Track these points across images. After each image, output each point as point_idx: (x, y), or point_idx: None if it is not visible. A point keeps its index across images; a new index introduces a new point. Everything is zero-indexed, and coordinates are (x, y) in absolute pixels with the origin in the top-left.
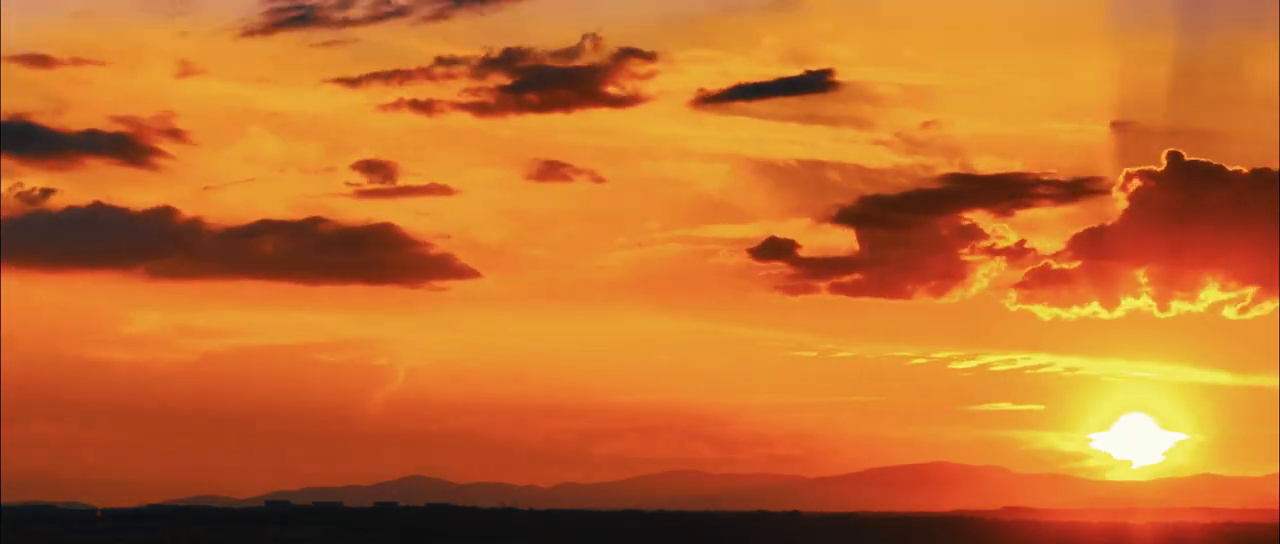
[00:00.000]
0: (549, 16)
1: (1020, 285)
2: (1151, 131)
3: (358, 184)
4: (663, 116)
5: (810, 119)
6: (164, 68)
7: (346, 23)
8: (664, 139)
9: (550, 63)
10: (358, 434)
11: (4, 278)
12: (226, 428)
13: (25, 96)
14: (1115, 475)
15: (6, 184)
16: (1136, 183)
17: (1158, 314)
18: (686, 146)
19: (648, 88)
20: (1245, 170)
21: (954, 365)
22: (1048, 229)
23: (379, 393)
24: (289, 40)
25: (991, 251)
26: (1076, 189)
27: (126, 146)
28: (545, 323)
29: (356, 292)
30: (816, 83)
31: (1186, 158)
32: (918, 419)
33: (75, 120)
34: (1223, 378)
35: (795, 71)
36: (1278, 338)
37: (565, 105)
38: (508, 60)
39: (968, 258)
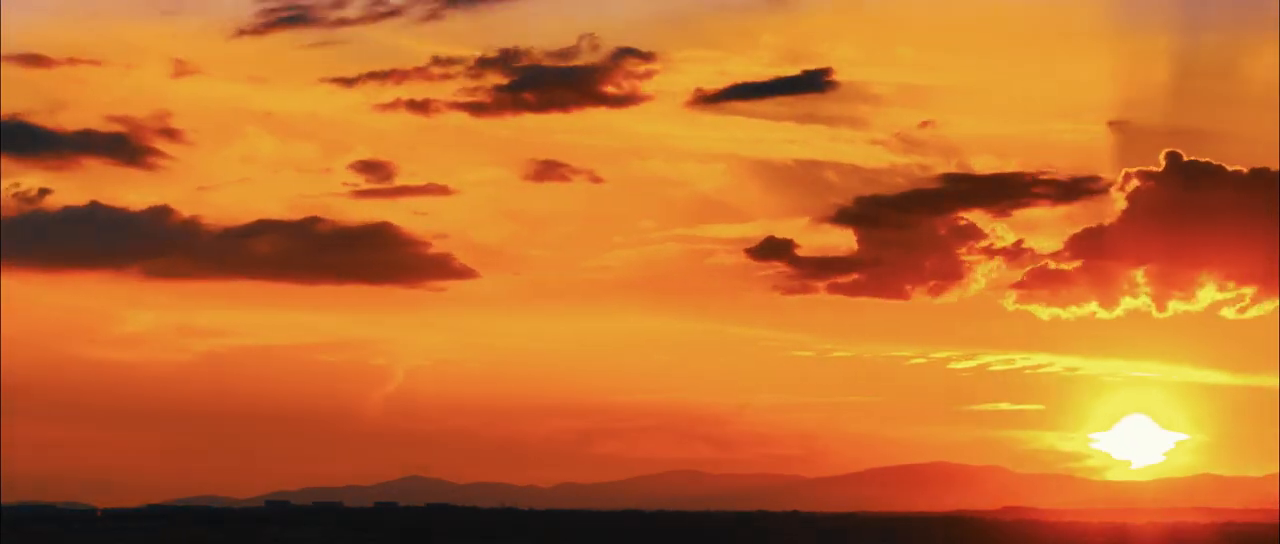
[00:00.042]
0: (546, 16)
1: (1019, 285)
2: (1150, 131)
3: (355, 184)
4: (660, 116)
5: (808, 119)
6: (160, 67)
7: (341, 23)
8: (661, 139)
9: (547, 62)
10: (357, 434)
11: (1, 278)
12: (225, 428)
13: (21, 96)
14: (1115, 475)
15: (3, 184)
16: (1135, 182)
17: (1156, 314)
18: (684, 146)
19: (645, 87)
20: (1244, 170)
21: (953, 365)
22: (1046, 229)
23: (378, 393)
24: (284, 40)
25: (990, 251)
26: (1075, 189)
27: (123, 146)
28: (544, 323)
29: (354, 291)
30: (814, 82)
31: (1185, 157)
32: (917, 419)
33: (71, 120)
34: (1222, 378)
35: (793, 71)
36: (1278, 338)
37: (563, 105)
38: (505, 60)
39: (966, 258)
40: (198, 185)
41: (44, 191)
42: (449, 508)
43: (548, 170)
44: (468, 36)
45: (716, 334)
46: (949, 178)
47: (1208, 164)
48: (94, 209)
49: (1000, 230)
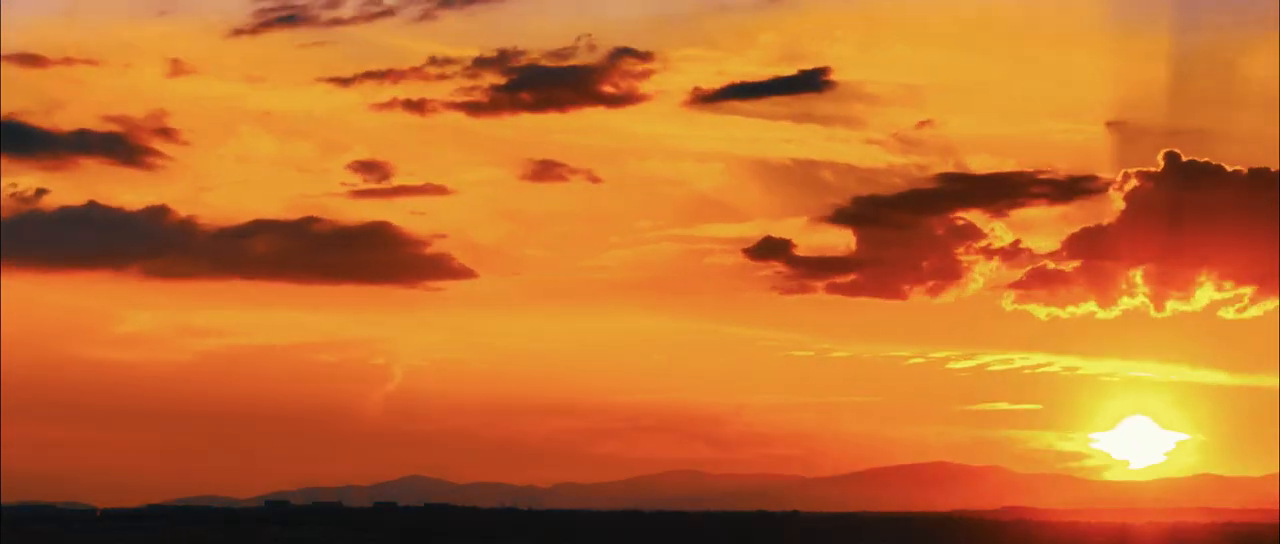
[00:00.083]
0: (543, 16)
1: (1017, 285)
2: (1148, 131)
3: (352, 184)
4: (658, 116)
5: (805, 118)
6: (156, 67)
7: (337, 22)
8: (659, 138)
9: (545, 62)
10: (356, 434)
11: None
12: (224, 428)
13: (17, 96)
14: (1115, 475)
15: (1, 184)
16: (1133, 182)
17: (1154, 314)
18: (682, 146)
19: (643, 87)
20: (1243, 170)
21: (951, 365)
22: (1044, 229)
23: (377, 393)
24: (280, 39)
25: (988, 251)
26: (1073, 189)
27: (119, 146)
28: (542, 322)
29: (352, 291)
30: (812, 82)
31: (1183, 157)
32: (916, 419)
33: (68, 120)
34: (1221, 378)
35: (790, 71)
36: (1277, 338)
37: (560, 105)
38: (502, 60)
39: (964, 258)
40: (195, 185)
41: (41, 191)
42: (448, 508)
43: (545, 170)
44: (464, 36)
45: (715, 334)
46: (947, 177)
47: (1206, 164)
48: (91, 209)
49: (998, 230)
